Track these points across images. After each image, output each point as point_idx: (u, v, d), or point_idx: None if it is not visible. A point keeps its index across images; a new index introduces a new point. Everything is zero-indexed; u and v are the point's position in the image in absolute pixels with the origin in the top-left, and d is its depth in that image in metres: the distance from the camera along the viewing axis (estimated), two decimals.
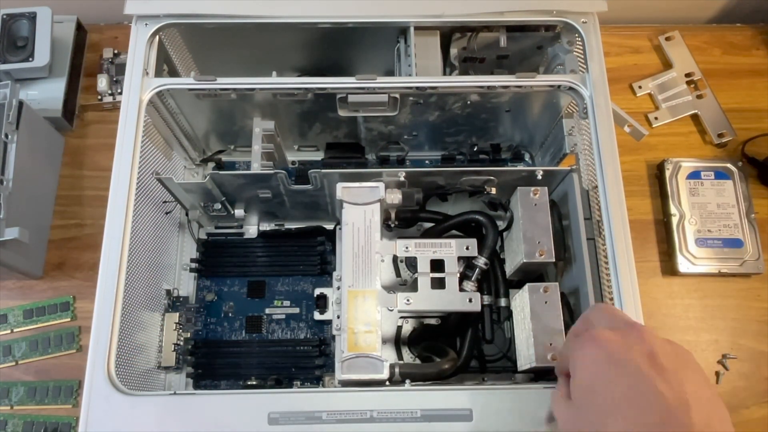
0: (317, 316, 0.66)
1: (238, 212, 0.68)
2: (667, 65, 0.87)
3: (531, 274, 0.61)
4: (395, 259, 0.67)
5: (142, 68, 0.59)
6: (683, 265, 0.74)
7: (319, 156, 0.75)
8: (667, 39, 0.88)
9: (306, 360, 0.67)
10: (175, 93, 0.62)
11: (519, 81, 0.60)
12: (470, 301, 0.57)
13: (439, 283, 0.58)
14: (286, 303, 0.70)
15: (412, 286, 0.59)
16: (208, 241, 0.72)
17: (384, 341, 0.62)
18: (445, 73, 0.68)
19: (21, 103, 0.68)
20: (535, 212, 0.59)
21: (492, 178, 0.61)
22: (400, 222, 0.64)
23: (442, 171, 0.61)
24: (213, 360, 0.67)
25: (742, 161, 0.79)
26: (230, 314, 0.70)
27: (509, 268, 0.62)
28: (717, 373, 0.71)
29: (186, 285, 0.70)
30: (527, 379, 0.63)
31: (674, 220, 0.76)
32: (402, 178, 0.59)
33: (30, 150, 0.70)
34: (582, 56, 0.61)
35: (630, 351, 0.36)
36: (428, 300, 0.57)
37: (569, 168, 0.60)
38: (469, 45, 0.67)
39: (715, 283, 0.74)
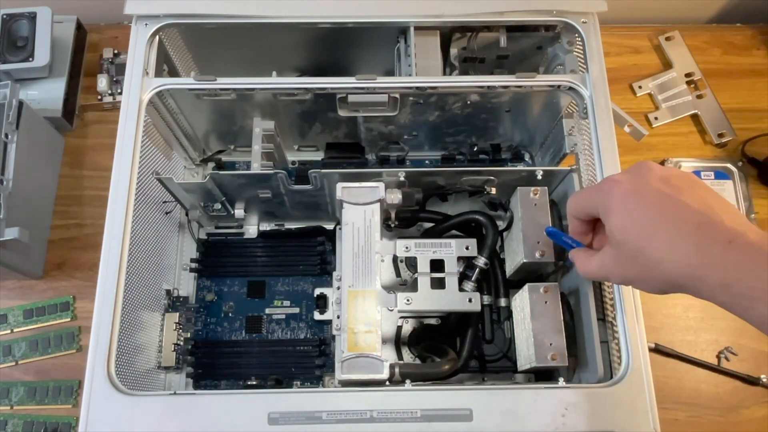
0: (317, 316, 0.66)
1: (238, 212, 0.68)
2: (667, 65, 0.87)
3: (531, 274, 0.61)
4: (395, 259, 0.67)
5: (142, 68, 0.59)
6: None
7: (319, 156, 0.75)
8: (667, 39, 0.88)
9: (306, 360, 0.67)
10: (175, 93, 0.62)
11: (519, 81, 0.60)
12: (470, 301, 0.57)
13: (439, 283, 0.58)
14: (286, 303, 0.70)
15: (412, 286, 0.59)
16: (208, 241, 0.72)
17: (384, 341, 0.62)
18: (445, 73, 0.68)
19: (21, 103, 0.68)
20: (535, 212, 0.59)
21: (492, 178, 0.61)
22: (400, 222, 0.64)
23: (442, 171, 0.61)
24: (213, 360, 0.67)
25: (742, 161, 0.79)
26: (230, 314, 0.70)
27: (509, 268, 0.62)
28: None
29: (186, 285, 0.70)
30: (527, 379, 0.63)
31: None
32: (402, 178, 0.59)
33: (30, 150, 0.70)
34: (582, 56, 0.61)
35: (648, 182, 0.40)
36: (428, 300, 0.57)
37: (569, 168, 0.60)
38: (469, 45, 0.67)
39: None
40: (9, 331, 0.71)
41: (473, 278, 0.59)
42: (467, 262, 0.60)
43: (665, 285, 0.41)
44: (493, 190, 0.62)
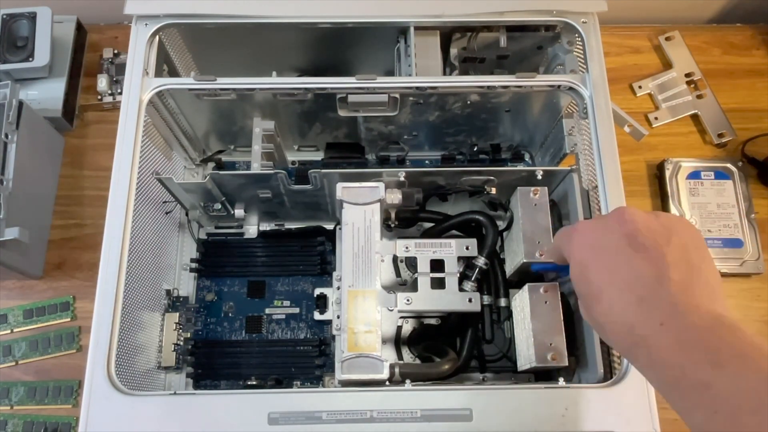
0: (317, 316, 0.66)
1: (238, 212, 0.68)
2: (667, 65, 0.87)
3: (531, 274, 0.61)
4: (395, 259, 0.67)
5: (142, 68, 0.59)
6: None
7: (319, 156, 0.75)
8: (667, 39, 0.88)
9: (306, 360, 0.67)
10: (175, 93, 0.62)
11: (519, 81, 0.60)
12: (470, 301, 0.57)
13: (439, 283, 0.58)
14: (286, 303, 0.70)
15: (412, 286, 0.59)
16: (208, 241, 0.72)
17: (384, 341, 0.62)
18: (445, 73, 0.68)
19: (21, 103, 0.68)
20: (535, 212, 0.59)
21: (492, 178, 0.61)
22: (400, 222, 0.64)
23: (442, 171, 0.61)
24: (213, 360, 0.67)
25: (742, 161, 0.79)
26: (230, 314, 0.70)
27: (509, 268, 0.62)
28: None
29: (186, 285, 0.70)
30: (527, 379, 0.63)
31: None
32: (402, 178, 0.59)
33: (30, 150, 0.70)
34: (582, 56, 0.61)
35: (610, 235, 0.37)
36: (428, 300, 0.57)
37: (569, 168, 0.60)
38: (469, 45, 0.67)
39: None
40: (9, 331, 0.71)
41: (473, 278, 0.59)
42: (467, 262, 0.60)
43: (613, 346, 0.39)
44: (493, 190, 0.62)
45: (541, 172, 0.60)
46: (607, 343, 0.40)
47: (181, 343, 0.66)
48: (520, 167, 0.74)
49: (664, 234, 0.36)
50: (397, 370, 0.56)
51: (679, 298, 0.34)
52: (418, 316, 0.66)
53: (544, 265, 0.55)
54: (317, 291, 0.66)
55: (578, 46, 0.62)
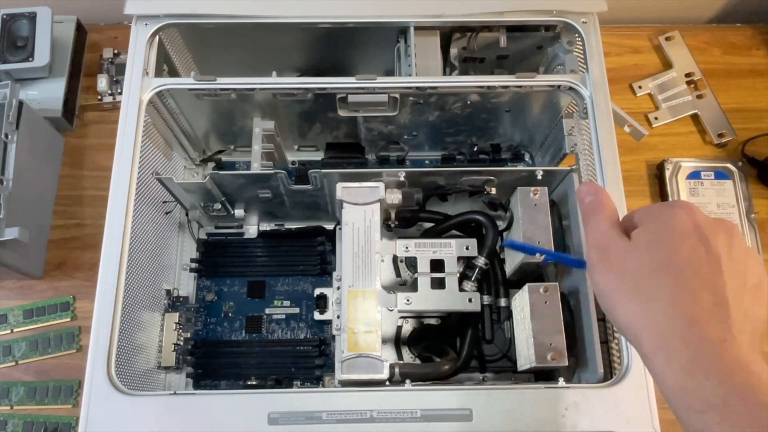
0: (317, 316, 0.66)
1: (238, 212, 0.68)
2: (667, 65, 0.87)
3: (531, 274, 0.61)
4: (395, 259, 0.67)
5: (142, 68, 0.59)
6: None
7: (319, 156, 0.75)
8: (667, 39, 0.88)
9: (306, 360, 0.67)
10: (175, 93, 0.62)
11: (519, 81, 0.60)
12: (470, 301, 0.57)
13: (439, 283, 0.58)
14: (286, 303, 0.70)
15: (412, 286, 0.59)
16: (208, 241, 0.72)
17: (384, 341, 0.62)
18: (445, 73, 0.68)
19: (21, 103, 0.68)
20: (535, 212, 0.59)
21: (492, 178, 0.61)
22: (400, 222, 0.64)
23: (442, 171, 0.61)
24: (213, 360, 0.67)
25: (742, 161, 0.79)
26: (230, 314, 0.70)
27: (509, 268, 0.62)
28: None
29: (186, 285, 0.70)
30: (527, 379, 0.63)
31: None
32: (402, 178, 0.59)
33: (30, 150, 0.70)
34: (582, 56, 0.61)
35: (716, 233, 0.34)
36: (428, 300, 0.57)
37: (569, 168, 0.60)
38: (469, 45, 0.67)
39: None
40: (9, 331, 0.71)
41: (473, 278, 0.59)
42: (467, 262, 0.60)
43: (626, 329, 0.35)
44: (493, 190, 0.62)
45: (541, 172, 0.60)
46: (613, 315, 0.36)
47: (181, 343, 0.66)
48: (520, 167, 0.74)
49: (752, 260, 0.35)
50: (397, 370, 0.56)
51: (742, 326, 0.32)
52: (418, 316, 0.66)
53: (521, 245, 0.53)
54: (317, 291, 0.66)
55: (578, 46, 0.62)
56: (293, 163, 0.77)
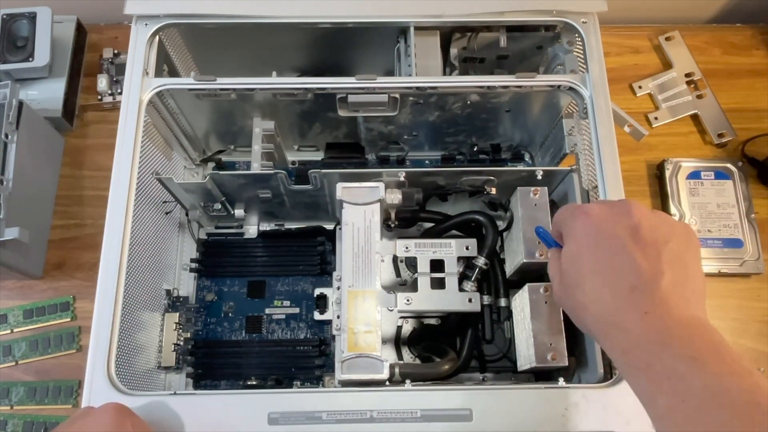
0: (317, 316, 0.66)
1: (238, 212, 0.68)
2: (667, 65, 0.87)
3: (531, 274, 0.61)
4: (395, 259, 0.67)
5: (142, 68, 0.59)
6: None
7: (319, 156, 0.75)
8: (667, 39, 0.88)
9: (306, 360, 0.67)
10: (175, 93, 0.62)
11: (519, 81, 0.60)
12: (470, 301, 0.57)
13: (439, 283, 0.58)
14: (286, 303, 0.70)
15: (412, 286, 0.59)
16: (208, 241, 0.72)
17: (384, 341, 0.62)
18: (445, 73, 0.68)
19: (21, 103, 0.68)
20: (535, 212, 0.59)
21: (492, 178, 0.61)
22: (400, 222, 0.64)
23: (442, 171, 0.61)
24: (213, 360, 0.67)
25: (742, 161, 0.79)
26: (230, 314, 0.70)
27: (509, 268, 0.62)
28: None
29: (186, 285, 0.70)
30: (527, 379, 0.63)
31: None
32: (402, 178, 0.59)
33: (30, 150, 0.70)
34: (582, 56, 0.61)
35: (617, 224, 0.39)
36: (428, 300, 0.57)
37: (569, 168, 0.60)
38: (469, 45, 0.67)
39: (715, 283, 0.74)
40: (9, 331, 0.71)
41: (473, 278, 0.59)
42: (467, 262, 0.60)
43: (585, 329, 0.41)
44: (493, 190, 0.62)
45: (541, 172, 0.60)
46: (576, 321, 0.42)
47: (181, 343, 0.66)
48: (520, 167, 0.74)
49: (665, 234, 0.39)
50: (397, 370, 0.56)
51: (668, 295, 0.36)
52: (418, 316, 0.66)
53: (545, 236, 0.53)
54: (317, 291, 0.67)
55: (578, 46, 0.62)
56: (293, 163, 0.77)
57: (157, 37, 0.62)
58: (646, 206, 0.41)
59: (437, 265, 0.58)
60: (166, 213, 0.67)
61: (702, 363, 0.33)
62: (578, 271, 0.40)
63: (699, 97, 0.84)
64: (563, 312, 0.55)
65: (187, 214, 0.70)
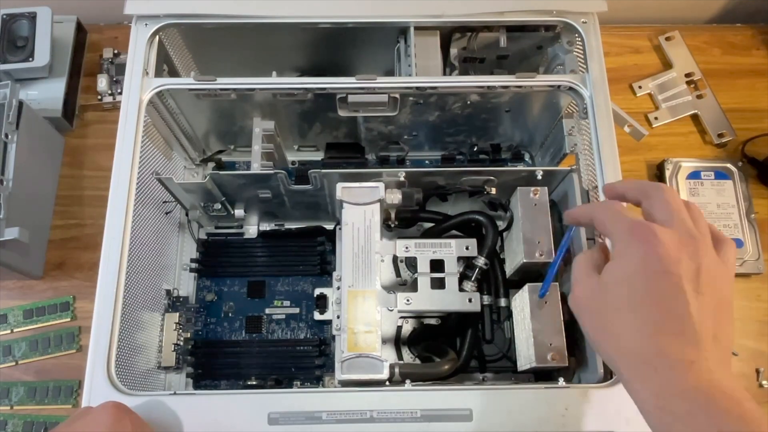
0: (317, 316, 0.66)
1: (238, 212, 0.68)
2: (667, 65, 0.87)
3: (531, 274, 0.61)
4: (395, 259, 0.67)
5: (142, 68, 0.59)
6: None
7: (319, 156, 0.75)
8: (667, 39, 0.88)
9: (306, 360, 0.66)
10: (175, 93, 0.62)
11: (519, 81, 0.60)
12: (470, 301, 0.57)
13: (439, 283, 0.58)
14: (286, 303, 0.70)
15: (412, 286, 0.59)
16: (208, 241, 0.72)
17: (384, 341, 0.62)
18: (445, 73, 0.68)
19: (21, 103, 0.68)
20: (535, 212, 0.59)
21: (492, 178, 0.61)
22: (400, 222, 0.64)
23: (442, 171, 0.61)
24: (213, 360, 0.67)
25: (742, 161, 0.79)
26: (230, 314, 0.70)
27: (509, 268, 0.62)
28: None
29: (186, 285, 0.70)
30: (527, 379, 0.63)
31: None
32: (402, 178, 0.59)
33: (30, 150, 0.70)
34: (582, 56, 0.61)
35: (679, 265, 0.36)
36: (428, 300, 0.57)
37: (569, 168, 0.60)
38: (469, 45, 0.67)
39: None
40: (9, 331, 0.71)
41: (473, 278, 0.59)
42: (467, 262, 0.60)
43: (606, 356, 0.39)
44: (493, 190, 0.62)
45: (541, 172, 0.60)
46: (597, 344, 0.39)
47: (181, 343, 0.66)
48: (520, 167, 0.74)
49: (721, 286, 0.38)
50: (397, 370, 0.56)
51: (712, 351, 0.35)
52: (418, 316, 0.66)
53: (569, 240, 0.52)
54: (317, 291, 0.67)
55: (578, 46, 0.62)
56: (293, 163, 0.77)
57: (157, 37, 0.62)
58: (711, 245, 0.38)
59: (437, 265, 0.58)
60: (166, 213, 0.67)
61: (750, 423, 0.32)
62: (621, 296, 0.37)
63: (699, 97, 0.84)
64: (563, 313, 0.55)
65: (187, 214, 0.70)
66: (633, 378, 0.36)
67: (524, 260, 0.57)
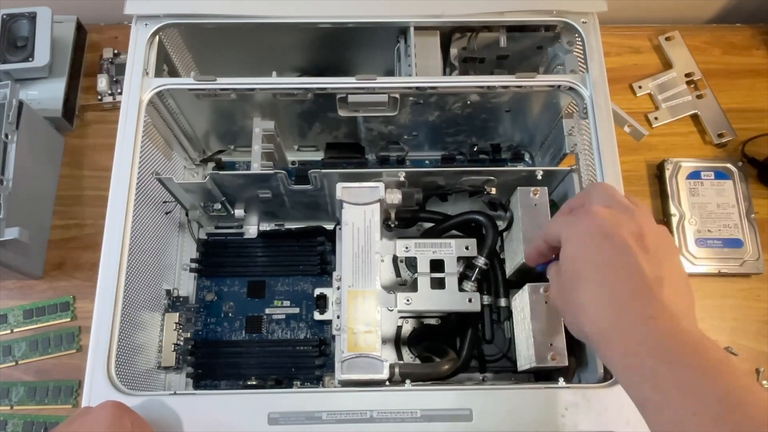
0: (317, 316, 0.66)
1: (238, 212, 0.68)
2: (667, 65, 0.87)
3: (531, 274, 0.61)
4: (395, 259, 0.67)
5: (142, 68, 0.59)
6: (683, 265, 0.74)
7: (319, 156, 0.75)
8: (667, 39, 0.88)
9: (306, 360, 0.67)
10: (175, 93, 0.62)
11: (519, 81, 0.60)
12: (470, 301, 0.57)
13: (439, 283, 0.58)
14: (286, 303, 0.70)
15: (412, 286, 0.59)
16: (208, 241, 0.72)
17: (384, 341, 0.62)
18: (445, 73, 0.68)
19: (21, 103, 0.68)
20: (535, 212, 0.59)
21: (492, 178, 0.61)
22: (400, 222, 0.64)
23: (442, 171, 0.61)
24: (213, 360, 0.67)
25: (742, 161, 0.79)
26: (230, 314, 0.70)
27: (509, 268, 0.62)
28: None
29: (186, 285, 0.70)
30: (527, 379, 0.63)
31: (674, 221, 0.76)
32: (402, 178, 0.59)
33: (30, 150, 0.70)
34: (582, 56, 0.61)
35: (620, 228, 0.38)
36: (428, 300, 0.57)
37: (569, 168, 0.60)
38: (469, 45, 0.67)
39: (715, 284, 0.74)
40: (9, 331, 0.71)
41: (473, 278, 0.59)
42: (467, 262, 0.60)
43: (579, 333, 0.40)
44: (493, 190, 0.62)
45: (541, 172, 0.60)
46: (572, 325, 0.41)
47: (181, 343, 0.66)
48: (520, 167, 0.74)
49: (667, 246, 0.39)
50: (397, 370, 0.56)
51: (670, 304, 0.36)
52: (418, 316, 0.66)
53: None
54: (317, 291, 0.67)
55: (578, 46, 0.62)
56: (293, 163, 0.77)
57: (157, 37, 0.62)
58: (649, 214, 0.40)
59: (437, 265, 0.58)
60: (166, 213, 0.67)
61: (713, 376, 0.32)
62: (578, 272, 0.39)
63: (699, 97, 0.84)
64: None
65: (187, 214, 0.70)
66: (600, 343, 0.38)
67: (524, 260, 0.57)
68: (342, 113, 0.64)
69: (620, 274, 0.37)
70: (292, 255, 0.71)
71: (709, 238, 0.75)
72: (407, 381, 0.53)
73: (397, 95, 0.62)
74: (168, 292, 0.67)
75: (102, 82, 0.82)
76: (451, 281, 0.58)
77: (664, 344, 0.34)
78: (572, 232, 0.41)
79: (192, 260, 0.71)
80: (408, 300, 0.56)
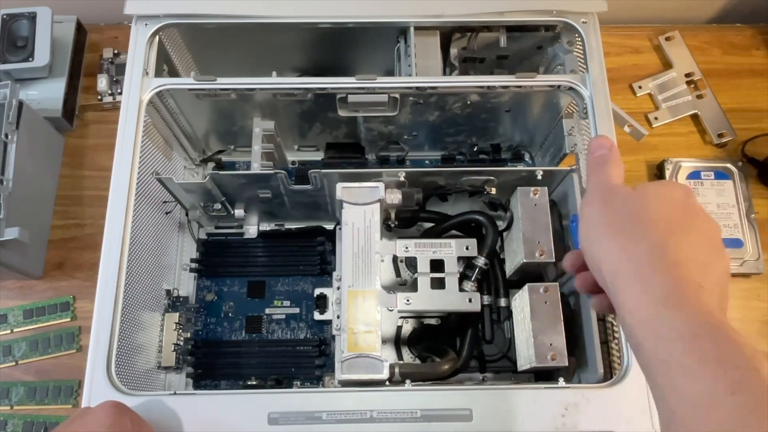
0: (317, 316, 0.66)
1: (238, 212, 0.68)
2: (667, 65, 0.87)
3: (531, 274, 0.61)
4: (395, 259, 0.67)
5: (142, 68, 0.59)
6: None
7: (319, 156, 0.75)
8: (667, 39, 0.87)
9: (306, 360, 0.67)
10: (175, 93, 0.62)
11: (519, 81, 0.60)
12: (470, 301, 0.57)
13: (439, 283, 0.58)
14: (286, 303, 0.70)
15: (412, 286, 0.59)
16: (208, 241, 0.72)
17: (384, 341, 0.62)
18: (445, 73, 0.68)
19: (21, 103, 0.68)
20: (535, 212, 0.59)
21: (492, 178, 0.61)
22: (400, 222, 0.64)
23: (442, 171, 0.61)
24: (213, 360, 0.67)
25: (742, 161, 0.79)
26: (230, 314, 0.70)
27: (509, 268, 0.62)
28: None
29: (186, 285, 0.70)
30: (527, 379, 0.63)
31: None
32: (402, 178, 0.59)
33: (30, 150, 0.70)
34: (582, 56, 0.61)
35: (698, 212, 0.36)
36: (428, 300, 0.57)
37: (569, 168, 0.60)
38: (469, 45, 0.67)
39: None
40: (9, 331, 0.71)
41: (473, 278, 0.59)
42: (467, 262, 0.60)
43: (601, 270, 0.36)
44: (493, 190, 0.62)
45: (541, 172, 0.60)
46: (605, 271, 0.36)
47: (181, 343, 0.66)
48: (520, 167, 0.74)
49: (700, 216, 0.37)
50: (397, 370, 0.56)
51: (721, 282, 0.34)
52: (418, 316, 0.66)
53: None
54: (317, 291, 0.67)
55: (578, 46, 0.62)
56: (293, 163, 0.77)
57: (157, 37, 0.62)
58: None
59: (437, 265, 0.58)
60: (166, 213, 0.67)
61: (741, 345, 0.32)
62: (651, 224, 0.35)
63: (699, 97, 0.84)
64: (563, 314, 0.55)
65: (187, 214, 0.70)
66: (635, 282, 0.34)
67: (524, 260, 0.57)
68: (342, 113, 0.64)
69: (691, 243, 0.35)
70: (292, 255, 0.71)
71: None
72: (407, 381, 0.53)
73: (397, 95, 0.62)
74: (168, 292, 0.67)
75: (102, 82, 0.82)
76: (451, 281, 0.58)
77: (705, 313, 0.33)
78: (662, 188, 0.37)
79: (192, 260, 0.71)
80: (408, 300, 0.56)
